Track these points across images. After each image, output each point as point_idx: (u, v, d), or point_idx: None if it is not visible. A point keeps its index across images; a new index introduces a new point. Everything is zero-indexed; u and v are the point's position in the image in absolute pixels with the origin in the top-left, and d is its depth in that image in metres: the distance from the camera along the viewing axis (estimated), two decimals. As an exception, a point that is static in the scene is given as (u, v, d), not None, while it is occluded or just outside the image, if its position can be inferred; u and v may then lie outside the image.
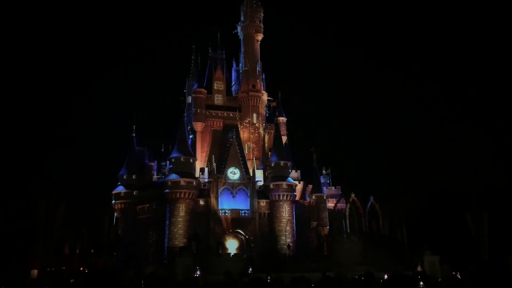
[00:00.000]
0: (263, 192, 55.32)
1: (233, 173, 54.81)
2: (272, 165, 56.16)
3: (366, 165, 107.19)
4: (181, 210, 51.02)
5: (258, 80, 63.61)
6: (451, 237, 46.47)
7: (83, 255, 46.87)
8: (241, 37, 66.23)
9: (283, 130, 65.18)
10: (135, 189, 56.36)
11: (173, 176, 51.92)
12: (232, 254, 49.55)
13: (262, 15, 66.65)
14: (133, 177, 57.11)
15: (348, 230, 48.70)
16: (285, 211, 54.17)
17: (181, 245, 48.42)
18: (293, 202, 55.51)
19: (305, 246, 55.02)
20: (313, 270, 35.07)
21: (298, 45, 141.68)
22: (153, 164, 60.81)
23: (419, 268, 24.05)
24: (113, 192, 56.95)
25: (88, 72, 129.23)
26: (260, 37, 66.05)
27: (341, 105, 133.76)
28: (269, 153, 60.09)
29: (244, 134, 60.96)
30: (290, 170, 57.51)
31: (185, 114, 61.78)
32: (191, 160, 53.92)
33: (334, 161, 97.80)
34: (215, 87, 62.99)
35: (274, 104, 67.46)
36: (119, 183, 57.39)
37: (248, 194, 54.12)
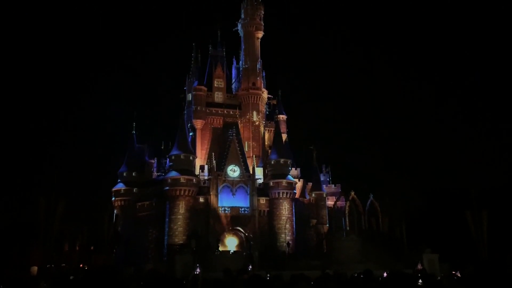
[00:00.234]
0: (263, 190, 55.33)
1: (233, 171, 54.82)
2: (272, 162, 56.17)
3: (366, 163, 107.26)
4: (181, 208, 51.07)
5: (258, 78, 63.55)
6: (450, 235, 46.53)
7: (82, 252, 47.02)
8: (241, 34, 66.11)
9: (283, 128, 65.15)
10: (135, 186, 56.40)
11: (173, 174, 51.95)
12: (231, 251, 49.61)
13: (263, 13, 66.51)
14: (133, 174, 57.15)
15: (348, 228, 48.72)
16: (285, 209, 54.20)
17: (180, 242, 48.48)
18: (293, 200, 55.55)
19: (305, 244, 55.10)
20: (313, 268, 35.12)
21: (298, 43, 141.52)
22: (153, 161, 60.84)
23: (419, 266, 24.03)
24: (113, 189, 56.99)
25: (89, 69, 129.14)
26: (260, 34, 65.94)
27: (341, 103, 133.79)
28: (269, 150, 60.09)
29: (244, 132, 60.93)
30: (290, 168, 57.52)
31: (185, 112, 61.77)
32: (191, 158, 53.92)
33: (334, 159, 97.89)
34: (215, 85, 62.95)
35: (274, 102, 67.41)
36: (119, 180, 57.44)
37: (248, 192, 54.13)
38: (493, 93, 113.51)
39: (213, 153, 56.34)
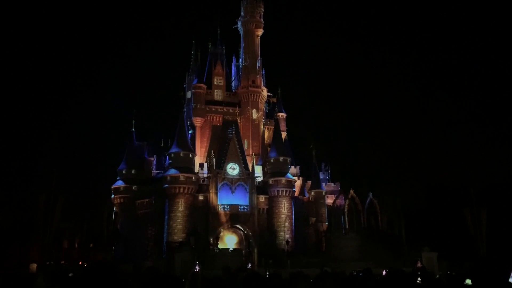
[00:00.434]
0: (262, 188, 55.36)
1: (233, 169, 54.82)
2: (272, 161, 56.18)
3: (365, 162, 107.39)
4: (180, 205, 51.10)
5: (258, 76, 63.48)
6: (449, 234, 46.57)
7: (82, 249, 46.98)
8: (241, 32, 66.01)
9: (282, 126, 65.13)
10: (134, 183, 56.40)
11: (172, 171, 51.96)
12: (231, 249, 49.70)
13: (263, 10, 66.40)
14: (132, 171, 57.16)
15: (347, 226, 48.79)
16: (284, 207, 54.26)
17: (180, 240, 48.52)
18: (292, 198, 55.59)
19: (304, 241, 55.19)
20: (312, 266, 35.17)
21: (298, 41, 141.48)
22: (152, 159, 60.85)
23: (419, 264, 24.00)
24: (112, 186, 57.01)
25: (88, 66, 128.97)
26: (260, 32, 65.84)
27: (341, 102, 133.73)
28: (269, 148, 60.10)
29: (243, 130, 60.91)
30: (289, 166, 57.55)
31: (185, 109, 61.70)
32: (190, 155, 53.92)
33: (334, 157, 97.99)
34: (215, 83, 62.89)
35: (274, 100, 67.36)
36: (118, 177, 57.45)
37: (247, 190, 54.16)
38: (492, 91, 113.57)
39: (212, 151, 56.34)
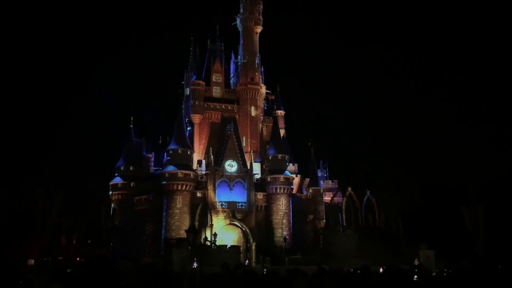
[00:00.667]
0: (260, 185, 55.42)
1: (231, 166, 54.85)
2: (270, 158, 56.21)
3: (364, 160, 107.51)
4: (178, 202, 51.13)
5: (256, 73, 63.41)
6: (447, 231, 46.73)
7: (80, 245, 46.97)
8: (240, 29, 65.87)
9: (281, 123, 65.14)
10: (133, 180, 56.38)
11: (171, 168, 51.95)
12: (229, 246, 49.79)
13: (262, 8, 66.24)
14: (131, 168, 57.13)
15: (344, 224, 48.90)
16: (282, 204, 54.36)
17: (178, 236, 48.54)
18: (290, 195, 55.66)
19: (302, 239, 55.27)
20: (309, 263, 35.28)
21: (297, 38, 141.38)
22: (150, 155, 60.80)
23: (416, 262, 24.07)
24: (111, 183, 56.99)
25: (87, 62, 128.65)
26: (259, 29, 65.72)
27: (340, 99, 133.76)
28: (267, 146, 60.11)
29: (242, 127, 60.86)
30: (287, 164, 57.60)
31: (183, 106, 61.56)
32: (188, 152, 53.90)
33: (332, 155, 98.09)
34: (214, 79, 62.78)
35: (272, 97, 67.32)
36: (116, 174, 57.43)
37: (246, 187, 54.22)
38: (490, 89, 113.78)
39: (210, 148, 56.31)
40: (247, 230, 52.99)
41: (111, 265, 4.00)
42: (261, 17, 65.79)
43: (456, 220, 44.12)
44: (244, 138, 60.15)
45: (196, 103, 59.93)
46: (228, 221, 52.93)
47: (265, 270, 21.31)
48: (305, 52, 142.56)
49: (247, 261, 46.76)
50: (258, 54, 64.54)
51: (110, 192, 56.64)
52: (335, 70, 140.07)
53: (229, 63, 67.17)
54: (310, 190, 61.01)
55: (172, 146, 53.46)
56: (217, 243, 49.25)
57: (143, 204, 54.99)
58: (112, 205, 55.92)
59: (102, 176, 60.99)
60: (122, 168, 57.12)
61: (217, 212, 52.50)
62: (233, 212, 52.91)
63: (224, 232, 53.13)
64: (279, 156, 56.10)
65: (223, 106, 61.75)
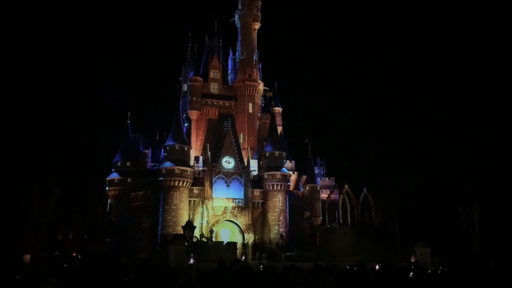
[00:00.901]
0: (257, 182, 55.48)
1: (228, 162, 54.86)
2: (267, 155, 56.24)
3: (360, 157, 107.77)
4: (175, 198, 51.12)
5: (254, 70, 63.35)
6: (443, 229, 46.89)
7: (76, 240, 46.91)
8: (238, 25, 65.72)
9: (278, 120, 65.16)
10: (129, 176, 56.34)
11: (168, 164, 51.91)
12: (225, 242, 49.87)
13: (260, 4, 66.10)
14: (128, 164, 57.07)
15: (341, 221, 48.96)
16: (279, 201, 54.44)
17: (174, 232, 48.58)
18: (287, 192, 55.75)
19: (298, 235, 55.38)
20: (306, 260, 35.35)
21: (296, 35, 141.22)
22: (147, 151, 60.73)
23: (412, 259, 24.16)
24: (107, 178, 56.93)
25: (84, 58, 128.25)
26: (257, 26, 65.60)
27: (337, 97, 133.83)
28: (264, 143, 60.14)
29: (239, 124, 60.85)
30: (284, 160, 57.65)
31: (181, 102, 61.52)
32: (186, 148, 53.86)
33: (329, 152, 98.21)
34: (211, 76, 62.68)
35: (270, 94, 67.26)
36: (113, 169, 57.35)
37: (242, 183, 54.26)
38: (486, 88, 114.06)
39: (208, 144, 56.30)
40: (244, 227, 53.08)
41: (113, 261, 3.99)
42: (259, 14, 65.66)
43: (452, 218, 44.27)
44: (241, 135, 60.15)
45: (194, 99, 59.85)
46: (224, 218, 52.97)
47: (261, 266, 21.35)
48: (303, 49, 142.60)
49: (243, 258, 46.83)
50: (256, 50, 64.47)
51: (107, 188, 56.59)
52: (333, 67, 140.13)
53: (227, 59, 67.05)
54: (307, 187, 61.15)
55: (169, 142, 53.39)
56: (214, 239, 49.33)
57: (140, 200, 54.96)
58: (109, 201, 55.89)
59: (98, 171, 60.91)
60: (119, 164, 57.05)
61: (213, 209, 52.53)
62: (230, 208, 52.96)
63: (221, 229, 53.20)
64: (276, 153, 56.13)
65: (221, 103, 61.70)
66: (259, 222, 53.96)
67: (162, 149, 55.56)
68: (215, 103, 61.43)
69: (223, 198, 53.09)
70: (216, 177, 53.69)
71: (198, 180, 53.48)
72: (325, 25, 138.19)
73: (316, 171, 64.23)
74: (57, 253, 42.21)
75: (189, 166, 53.26)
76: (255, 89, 62.68)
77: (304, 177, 61.99)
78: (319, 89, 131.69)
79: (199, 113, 60.30)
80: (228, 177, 54.13)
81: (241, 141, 59.14)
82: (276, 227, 53.32)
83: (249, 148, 58.75)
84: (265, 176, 54.92)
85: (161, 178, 51.46)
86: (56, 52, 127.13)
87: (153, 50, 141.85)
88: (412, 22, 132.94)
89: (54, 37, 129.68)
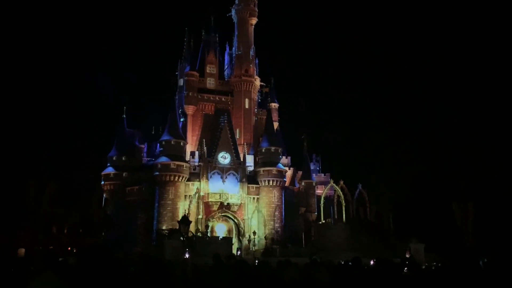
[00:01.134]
0: (253, 177, 55.53)
1: (224, 158, 54.86)
2: (263, 150, 56.27)
3: (356, 154, 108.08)
4: (171, 193, 51.11)
5: (251, 65, 63.21)
6: (437, 226, 47.16)
7: (71, 234, 46.80)
8: (235, 20, 65.47)
9: (275, 116, 65.14)
10: (125, 170, 56.22)
11: (163, 159, 51.84)
12: (220, 237, 49.97)
13: (257, -1, 65.87)
14: (123, 158, 56.93)
15: (336, 217, 49.15)
16: (274, 197, 54.55)
17: (170, 227, 48.60)
18: (283, 187, 55.86)
19: (293, 231, 55.59)
20: (301, 255, 35.51)
21: (292, 30, 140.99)
22: (143, 146, 60.54)
23: (407, 254, 24.27)
24: (103, 173, 56.79)
25: (80, 53, 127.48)
26: (254, 21, 65.37)
27: (333, 93, 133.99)
28: (260, 138, 60.16)
29: (235, 119, 60.77)
30: (280, 156, 57.71)
31: (177, 97, 61.30)
32: (181, 143, 53.77)
33: (325, 148, 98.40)
34: (208, 71, 62.50)
35: (266, 89, 67.20)
36: (108, 164, 57.20)
37: (238, 179, 54.31)
38: (483, 86, 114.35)
39: (204, 140, 56.22)
40: (239, 222, 53.18)
41: (109, 253, 4.01)
42: (256, 9, 65.43)
43: (447, 215, 44.50)
44: (237, 130, 60.10)
45: (190, 94, 59.69)
46: (220, 213, 53.03)
47: (256, 261, 21.43)
48: (300, 45, 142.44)
49: (238, 253, 46.97)
50: (253, 46, 64.30)
51: (102, 182, 56.47)
52: (330, 63, 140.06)
53: (224, 54, 66.82)
54: (303, 183, 61.31)
55: (165, 137, 53.28)
56: (209, 234, 49.41)
57: (135, 195, 54.89)
58: (104, 195, 55.75)
59: (94, 166, 60.73)
60: (114, 158, 56.90)
61: (209, 204, 52.56)
62: (225, 204, 53.01)
63: (216, 224, 53.29)
64: (272, 148, 56.17)
65: (217, 98, 61.56)
66: (254, 218, 54.07)
67: (158, 144, 55.45)
68: (211, 98, 61.28)
69: (218, 193, 53.10)
70: (212, 172, 53.70)
71: (193, 175, 53.46)
72: (322, 21, 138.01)
73: (312, 167, 64.39)
74: (52, 247, 42.13)
75: (185, 161, 53.21)
76: (252, 84, 62.57)
77: (300, 173, 62.12)
78: (315, 85, 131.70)
79: (195, 108, 60.15)
80: (224, 172, 54.15)
81: (237, 137, 59.13)
82: (272, 223, 53.46)
83: (245, 143, 58.74)
84: (261, 171, 54.98)
85: (157, 173, 51.40)
86: (51, 46, 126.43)
87: (149, 44, 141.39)
88: (410, 17, 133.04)
89: (50, 31, 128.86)
